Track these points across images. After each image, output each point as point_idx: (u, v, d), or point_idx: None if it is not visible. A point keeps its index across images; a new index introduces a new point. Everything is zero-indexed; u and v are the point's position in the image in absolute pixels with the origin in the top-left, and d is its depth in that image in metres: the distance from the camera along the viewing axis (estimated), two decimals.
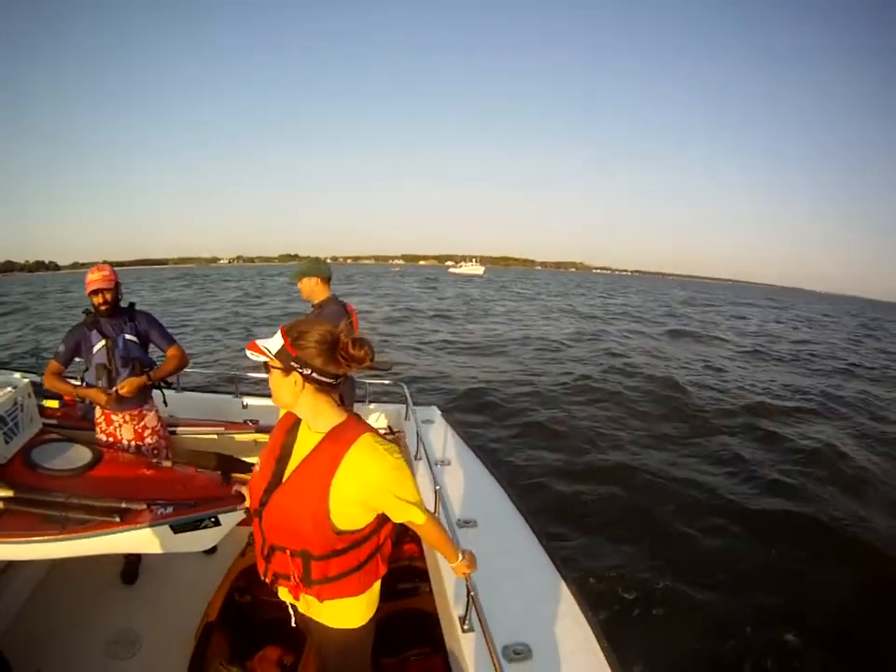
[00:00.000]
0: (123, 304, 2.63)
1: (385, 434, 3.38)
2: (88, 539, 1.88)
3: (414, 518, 1.34)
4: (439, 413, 3.29)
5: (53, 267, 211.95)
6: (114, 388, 2.46)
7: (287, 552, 1.32)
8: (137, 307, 2.68)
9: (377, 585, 1.49)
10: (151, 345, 2.68)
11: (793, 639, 3.26)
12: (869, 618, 3.55)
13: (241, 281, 48.54)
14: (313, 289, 2.75)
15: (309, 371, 1.23)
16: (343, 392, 2.92)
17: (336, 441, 1.27)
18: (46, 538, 1.85)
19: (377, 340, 11.03)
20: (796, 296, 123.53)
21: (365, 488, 1.25)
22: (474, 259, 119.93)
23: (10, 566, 2.48)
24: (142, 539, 1.93)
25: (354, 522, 1.30)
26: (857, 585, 3.87)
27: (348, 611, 1.43)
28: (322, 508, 1.25)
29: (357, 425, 1.33)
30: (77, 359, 2.55)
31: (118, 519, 1.92)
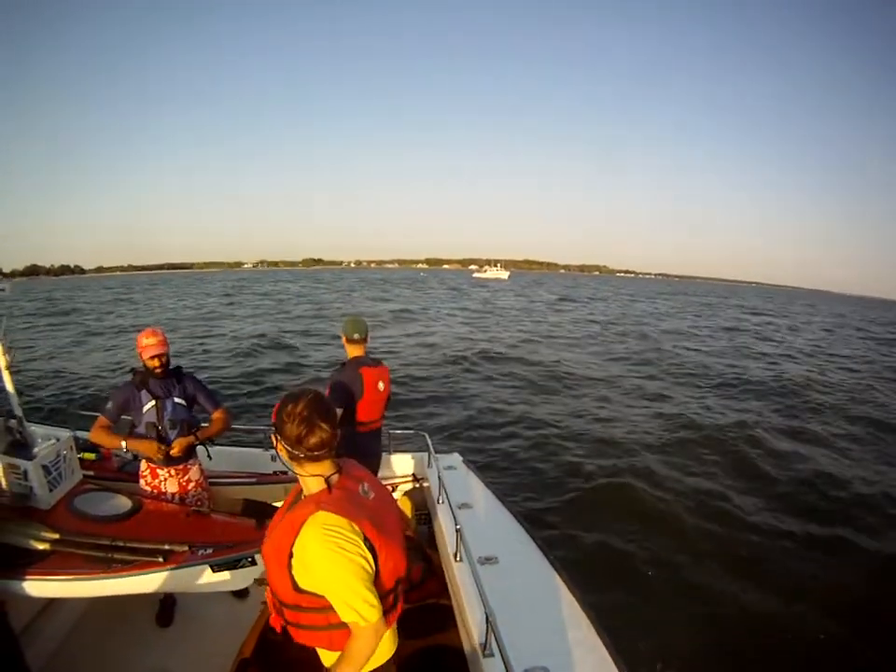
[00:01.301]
0: (170, 366, 2.76)
1: (408, 481, 3.50)
2: (132, 578, 2.03)
3: (345, 615, 1.33)
4: (460, 459, 3.42)
5: (79, 271, 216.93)
6: (164, 448, 2.57)
7: (270, 590, 1.45)
8: (184, 370, 2.82)
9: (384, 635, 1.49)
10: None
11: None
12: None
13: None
14: (345, 347, 2.97)
15: (278, 441, 1.37)
16: (364, 445, 2.93)
17: (299, 511, 1.37)
18: (92, 576, 2.00)
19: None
20: (830, 300, 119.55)
21: (305, 568, 1.33)
22: (498, 265, 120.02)
23: (51, 605, 2.59)
24: (184, 578, 2.08)
25: (316, 588, 1.36)
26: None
27: None
28: (283, 563, 1.35)
29: (318, 499, 1.38)
30: (123, 417, 2.67)
31: (161, 559, 2.07)
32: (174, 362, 2.78)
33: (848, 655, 3.32)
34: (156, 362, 2.62)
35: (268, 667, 2.35)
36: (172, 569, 2.04)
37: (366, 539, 1.35)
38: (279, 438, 1.37)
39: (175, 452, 2.60)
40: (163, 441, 2.60)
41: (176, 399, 2.67)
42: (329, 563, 1.30)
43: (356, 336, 2.92)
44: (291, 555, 1.35)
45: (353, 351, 2.96)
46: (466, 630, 1.87)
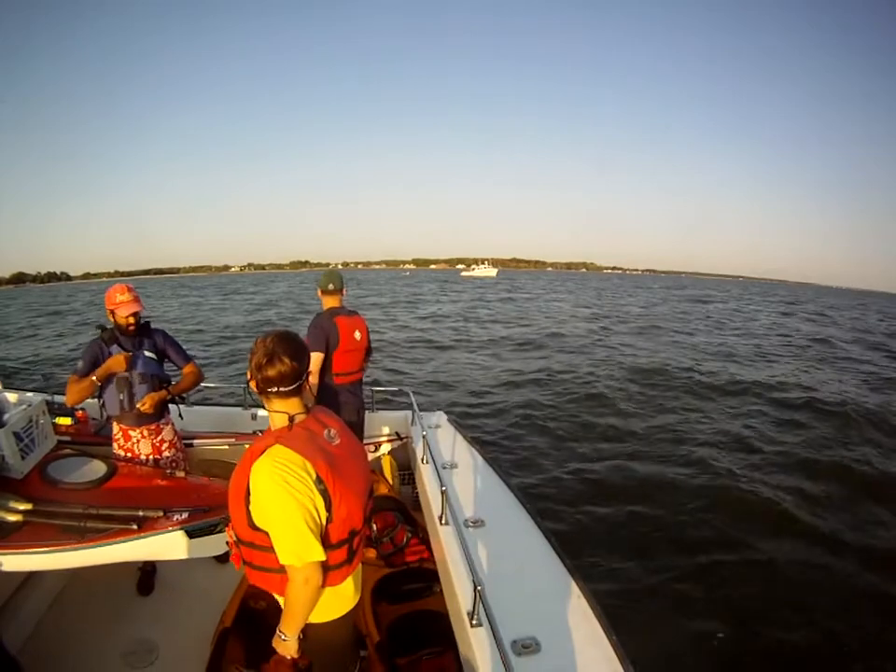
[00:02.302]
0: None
1: (393, 440, 3.44)
2: (107, 547, 1.95)
3: (281, 555, 1.31)
4: (445, 417, 3.36)
5: (65, 278, 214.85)
6: (129, 356, 2.53)
7: (231, 526, 1.45)
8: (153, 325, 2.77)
9: (338, 589, 1.48)
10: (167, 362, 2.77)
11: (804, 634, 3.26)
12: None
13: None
14: (321, 299, 2.97)
15: (249, 378, 1.41)
16: (343, 397, 2.90)
17: (258, 443, 1.39)
18: (66, 547, 1.93)
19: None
20: (820, 292, 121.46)
21: (256, 502, 1.33)
22: (486, 262, 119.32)
23: (29, 578, 2.54)
24: (159, 545, 2.00)
25: (263, 524, 1.34)
26: None
27: None
28: (241, 497, 1.36)
29: (278, 434, 1.38)
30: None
31: (135, 527, 2.00)
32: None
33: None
34: (131, 319, 2.55)
35: (249, 636, 2.32)
36: (146, 537, 1.98)
37: (319, 481, 1.33)
38: (249, 368, 1.40)
39: (145, 408, 2.55)
40: (133, 397, 2.55)
41: (146, 353, 2.61)
42: (272, 495, 1.29)
43: (330, 287, 2.93)
44: (248, 490, 1.33)
45: (328, 302, 2.95)
46: (452, 597, 1.82)
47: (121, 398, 2.55)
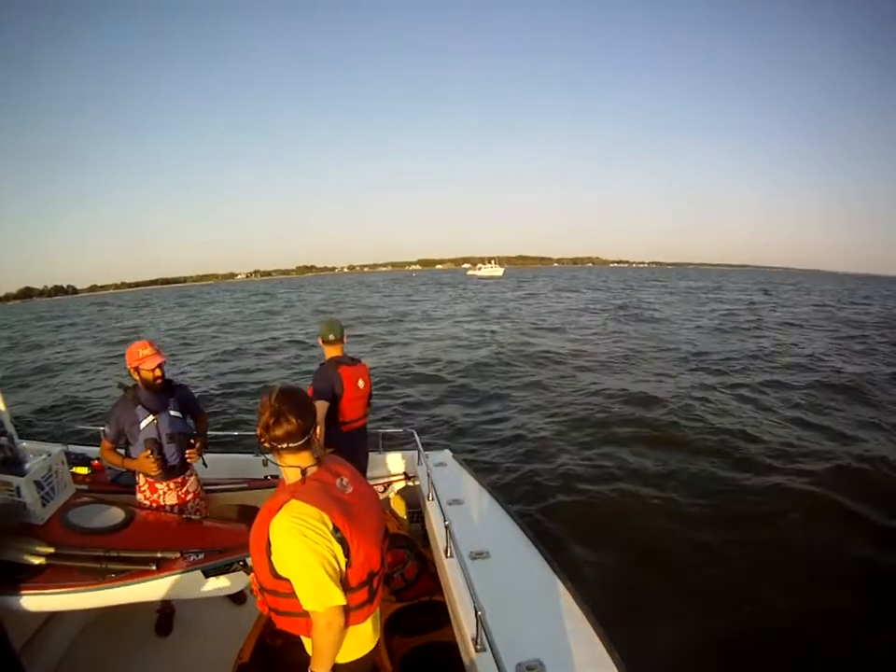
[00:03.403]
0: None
1: (400, 479, 3.57)
2: (126, 587, 2.04)
3: (304, 602, 1.39)
4: (451, 455, 3.41)
5: (72, 291, 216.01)
6: (159, 461, 2.58)
7: (254, 575, 1.52)
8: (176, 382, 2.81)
9: (359, 629, 1.54)
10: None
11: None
12: None
13: None
14: (323, 349, 3.05)
15: (259, 437, 1.47)
16: (349, 444, 2.96)
17: (274, 499, 1.46)
18: (87, 588, 2.01)
19: None
20: (822, 278, 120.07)
21: (277, 554, 1.40)
22: (493, 261, 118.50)
23: (52, 618, 2.60)
24: (177, 585, 2.08)
25: (286, 574, 1.41)
26: None
27: None
28: (262, 549, 1.42)
29: (292, 489, 1.46)
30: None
31: (154, 567, 2.09)
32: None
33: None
34: (157, 372, 2.58)
35: (266, 671, 2.37)
36: (165, 577, 2.06)
37: (336, 530, 1.40)
38: (258, 426, 1.47)
39: (193, 460, 2.73)
40: (163, 456, 2.60)
41: (172, 413, 2.64)
42: (293, 549, 1.36)
43: (331, 337, 3.01)
44: (269, 542, 1.41)
45: (330, 352, 3.04)
46: (458, 626, 1.88)
47: (151, 457, 2.58)
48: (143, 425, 2.55)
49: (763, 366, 11.15)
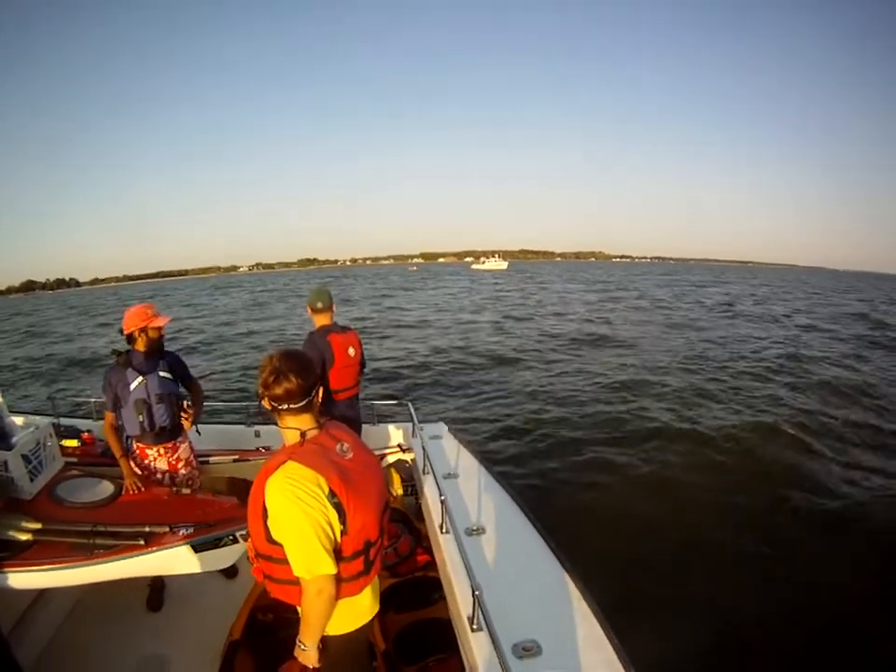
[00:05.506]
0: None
1: (396, 452, 3.49)
2: (115, 563, 2.00)
3: (294, 568, 1.35)
4: (446, 428, 3.37)
5: (74, 284, 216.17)
6: (137, 482, 2.55)
7: (250, 540, 1.48)
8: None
9: (355, 600, 1.50)
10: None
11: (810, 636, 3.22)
12: None
13: None
14: (312, 317, 3.00)
15: (259, 396, 1.43)
16: (340, 413, 2.91)
17: (272, 460, 1.41)
18: (75, 564, 1.97)
19: None
20: (823, 276, 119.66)
21: (270, 516, 1.36)
22: (497, 255, 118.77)
23: (41, 596, 2.58)
24: (166, 560, 2.04)
25: (279, 538, 1.37)
26: None
27: None
28: (258, 512, 1.39)
29: (290, 450, 1.41)
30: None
31: (142, 542, 2.04)
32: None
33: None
34: (164, 331, 2.68)
35: (257, 648, 2.36)
36: (153, 552, 2.02)
37: (332, 495, 1.35)
38: (258, 385, 1.44)
39: (188, 425, 2.74)
40: (153, 417, 2.61)
41: (161, 374, 2.65)
42: (285, 511, 1.32)
43: (319, 305, 2.96)
44: (265, 506, 1.36)
45: (319, 320, 2.98)
46: (454, 603, 1.85)
47: (140, 418, 2.58)
48: (133, 386, 2.56)
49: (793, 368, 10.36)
